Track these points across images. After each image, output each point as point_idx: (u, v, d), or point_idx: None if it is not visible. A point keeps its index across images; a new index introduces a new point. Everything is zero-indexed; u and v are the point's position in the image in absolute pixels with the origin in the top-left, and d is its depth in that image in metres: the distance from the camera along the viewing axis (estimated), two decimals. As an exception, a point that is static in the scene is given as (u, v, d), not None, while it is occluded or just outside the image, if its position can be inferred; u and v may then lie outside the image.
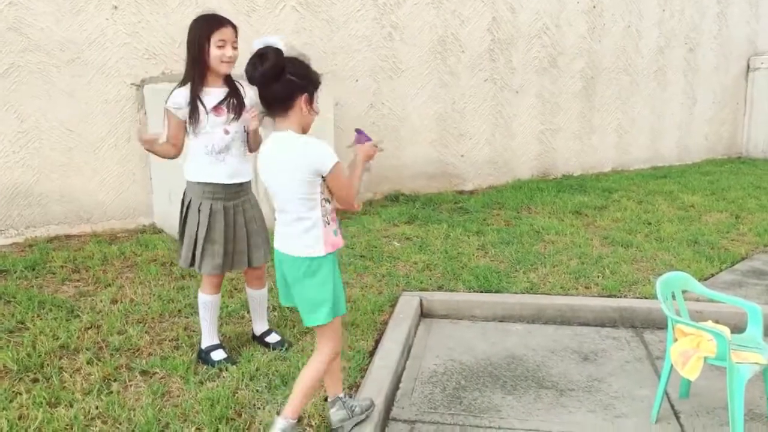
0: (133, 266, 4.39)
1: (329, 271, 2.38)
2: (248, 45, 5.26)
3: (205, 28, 2.97)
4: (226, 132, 3.01)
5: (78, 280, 4.16)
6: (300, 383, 2.44)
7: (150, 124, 5.06)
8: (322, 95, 5.36)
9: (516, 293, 4.14)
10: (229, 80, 3.05)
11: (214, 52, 2.94)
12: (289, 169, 2.27)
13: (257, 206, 3.22)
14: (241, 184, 3.10)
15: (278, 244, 2.41)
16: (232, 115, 3.01)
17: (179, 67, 5.10)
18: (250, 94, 3.06)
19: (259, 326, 3.40)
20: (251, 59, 2.28)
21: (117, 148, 5.16)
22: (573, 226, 5.52)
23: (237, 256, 3.16)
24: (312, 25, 5.85)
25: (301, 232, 2.33)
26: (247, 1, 5.49)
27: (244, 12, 5.50)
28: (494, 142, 7.11)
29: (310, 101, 2.39)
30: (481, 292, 4.15)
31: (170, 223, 5.07)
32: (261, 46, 2.30)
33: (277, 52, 2.31)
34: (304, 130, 2.38)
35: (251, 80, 2.30)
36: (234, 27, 3.01)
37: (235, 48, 3.00)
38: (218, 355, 3.20)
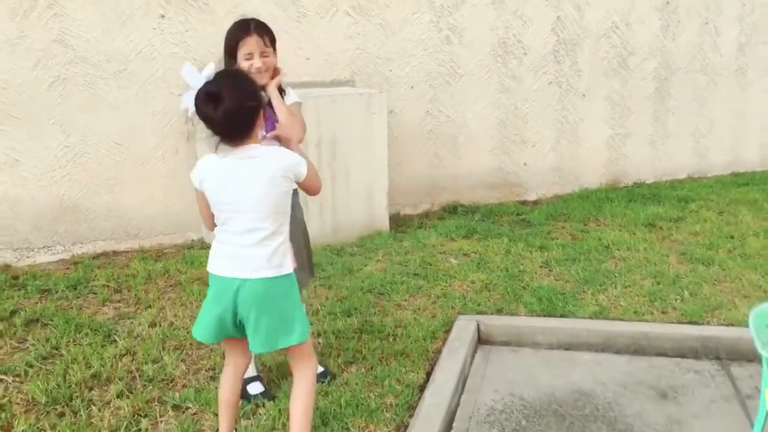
0: (176, 285, 4.22)
1: (295, 286, 2.38)
2: (300, 49, 5.01)
3: (232, 39, 2.80)
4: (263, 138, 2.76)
5: (119, 301, 4.00)
6: (300, 419, 2.37)
7: (198, 136, 4.90)
8: (376, 103, 5.10)
9: (583, 318, 3.78)
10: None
11: (243, 65, 2.75)
12: (269, 180, 2.23)
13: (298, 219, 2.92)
14: None
15: (236, 270, 2.25)
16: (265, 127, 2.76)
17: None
18: (292, 96, 2.96)
19: None
20: (203, 100, 2.20)
21: (165, 161, 5.01)
22: (646, 241, 5.09)
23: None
24: (365, 30, 5.60)
25: (273, 250, 2.26)
26: (296, 6, 5.28)
27: (294, 18, 5.29)
28: (559, 149, 6.71)
29: (264, 113, 2.35)
30: (545, 316, 3.81)
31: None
32: (199, 84, 2.24)
33: (229, 86, 2.23)
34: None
35: (210, 122, 2.22)
36: (261, 34, 2.78)
37: (265, 56, 2.78)
38: (255, 388, 2.96)
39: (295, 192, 2.57)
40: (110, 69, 4.74)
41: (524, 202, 6.51)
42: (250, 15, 5.01)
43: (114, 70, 4.75)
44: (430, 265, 4.61)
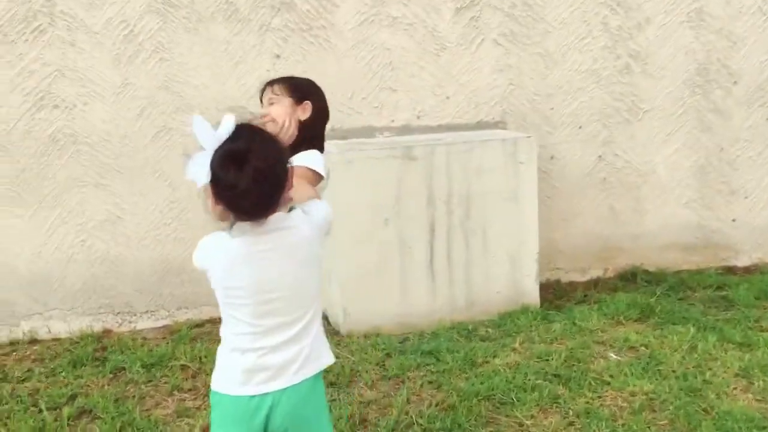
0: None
1: None
2: (439, 87, 4.23)
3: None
4: None
5: (189, 390, 3.44)
6: None
7: (335, 183, 4.26)
8: (524, 150, 4.15)
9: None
10: None
11: None
12: (309, 252, 1.83)
13: None
14: None
15: (269, 383, 1.78)
16: None
17: (351, 121, 4.29)
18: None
19: None
20: (223, 161, 1.68)
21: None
22: None
23: None
24: (520, 62, 4.66)
25: (312, 339, 1.85)
26: (434, 38, 4.50)
27: (431, 52, 4.52)
28: (782, 202, 5.22)
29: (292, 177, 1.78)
30: (729, 466, 2.62)
31: (333, 306, 4.23)
32: (214, 144, 1.70)
33: (257, 142, 1.73)
34: None
35: (232, 190, 1.68)
36: (272, 83, 2.45)
37: (271, 103, 2.35)
38: None
39: None
40: (219, 117, 4.27)
41: (731, 269, 5.11)
42: (378, 50, 4.39)
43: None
44: (580, 362, 3.54)
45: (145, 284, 4.33)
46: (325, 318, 4.32)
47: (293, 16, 4.28)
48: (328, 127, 3.54)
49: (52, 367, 3.75)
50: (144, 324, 4.35)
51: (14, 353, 4.00)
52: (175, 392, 3.41)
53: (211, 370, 3.39)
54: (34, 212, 4.10)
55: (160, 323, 4.36)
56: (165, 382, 3.50)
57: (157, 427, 3.03)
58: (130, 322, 4.34)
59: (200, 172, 1.68)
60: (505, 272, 4.24)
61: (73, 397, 3.36)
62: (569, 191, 4.88)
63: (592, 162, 4.90)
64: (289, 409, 1.80)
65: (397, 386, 3.40)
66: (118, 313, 4.32)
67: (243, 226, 1.76)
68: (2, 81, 3.96)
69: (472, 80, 4.62)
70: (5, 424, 3.10)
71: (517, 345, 3.78)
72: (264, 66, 4.29)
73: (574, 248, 4.94)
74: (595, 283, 4.82)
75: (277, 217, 1.76)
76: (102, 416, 3.15)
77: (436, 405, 3.18)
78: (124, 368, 3.68)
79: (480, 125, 4.65)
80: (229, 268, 1.79)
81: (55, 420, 3.13)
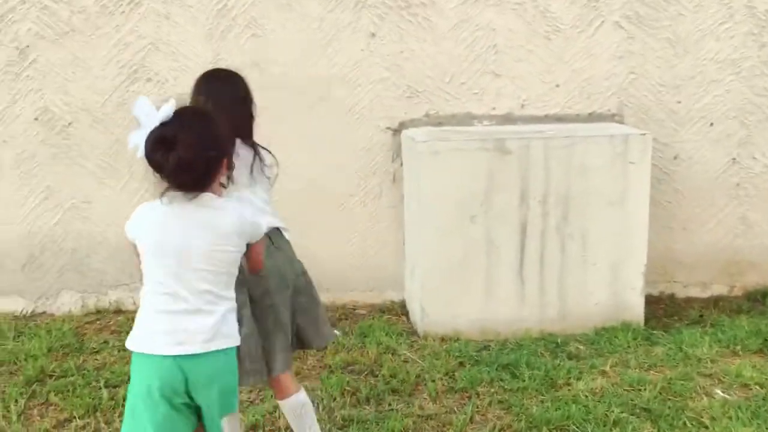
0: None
1: None
2: (548, 74, 3.84)
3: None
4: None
5: (246, 380, 3.30)
6: None
7: (407, 177, 4.02)
8: (636, 148, 3.69)
9: None
10: None
11: None
12: (223, 234, 1.93)
13: None
14: None
15: (179, 345, 1.87)
16: None
17: (448, 107, 4.00)
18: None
19: None
20: (153, 144, 1.83)
21: (365, 205, 4.24)
22: None
23: None
24: (644, 48, 4.15)
25: (222, 316, 1.93)
26: (546, 19, 4.09)
27: (541, 34, 4.11)
28: None
29: (229, 162, 2.03)
30: None
31: (412, 301, 3.99)
32: (152, 124, 1.85)
33: (187, 130, 1.85)
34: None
35: (159, 171, 1.86)
36: None
37: None
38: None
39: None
40: (309, 97, 4.11)
41: None
42: (481, 31, 4.04)
43: (313, 99, 4.11)
44: (677, 396, 3.10)
45: (227, 264, 4.26)
46: (405, 314, 4.09)
47: (392, -9, 4.02)
48: (422, 112, 3.85)
49: (125, 341, 3.76)
50: (224, 304, 4.30)
51: (97, 322, 4.07)
52: (233, 382, 3.29)
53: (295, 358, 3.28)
54: (125, 184, 4.13)
55: (239, 304, 4.29)
56: (225, 370, 3.39)
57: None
58: (211, 301, 4.30)
59: (139, 146, 1.84)
60: (605, 283, 3.81)
61: (133, 376, 3.32)
62: (694, 196, 4.32)
63: (723, 164, 4.31)
64: (204, 377, 1.89)
65: (463, 402, 3.11)
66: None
67: (173, 195, 1.90)
68: (99, 53, 3.98)
69: (586, 67, 4.17)
70: (63, 398, 3.11)
71: (607, 368, 3.36)
72: (358, 45, 4.07)
73: (696, 260, 4.39)
74: (715, 302, 4.26)
75: (208, 196, 1.93)
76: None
77: (500, 430, 2.86)
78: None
79: (592, 117, 4.19)
80: (153, 231, 1.92)
81: (111, 399, 3.10)
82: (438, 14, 4.05)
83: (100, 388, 3.19)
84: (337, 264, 4.28)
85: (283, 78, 4.06)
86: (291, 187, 4.14)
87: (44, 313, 4.18)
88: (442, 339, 3.74)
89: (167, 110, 1.86)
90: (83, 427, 2.91)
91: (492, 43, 4.10)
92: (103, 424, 2.93)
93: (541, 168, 3.67)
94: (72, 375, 3.33)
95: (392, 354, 3.57)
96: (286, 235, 2.62)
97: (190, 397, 1.91)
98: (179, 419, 1.91)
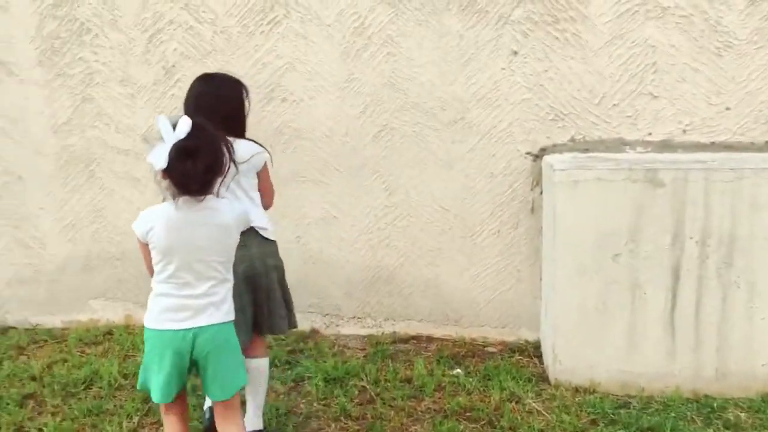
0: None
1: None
2: (717, 95, 3.46)
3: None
4: None
5: (356, 418, 3.14)
6: None
7: (545, 207, 3.69)
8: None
9: None
10: None
11: None
12: (225, 230, 2.35)
13: None
14: None
15: (189, 320, 2.30)
16: None
17: (597, 131, 3.65)
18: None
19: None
20: (180, 155, 2.20)
21: (500, 235, 3.94)
22: None
23: None
24: (840, 65, 3.54)
25: (222, 297, 2.37)
26: (716, 34, 3.59)
27: (711, 50, 3.61)
28: None
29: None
30: None
31: (546, 343, 3.64)
32: (173, 140, 2.21)
33: (206, 141, 2.26)
34: None
35: (186, 177, 2.24)
36: None
37: None
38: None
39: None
40: (444, 118, 3.89)
41: None
42: (639, 48, 3.64)
43: (448, 120, 3.89)
44: None
45: (353, 289, 4.14)
46: (538, 356, 3.75)
47: (538, 6, 3.71)
48: (567, 136, 3.73)
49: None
50: (350, 330, 4.17)
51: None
52: (341, 418, 3.13)
53: (390, 398, 3.10)
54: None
55: (365, 331, 4.15)
56: (336, 404, 3.24)
57: (303, 457, 2.78)
58: (336, 326, 4.19)
59: (160, 158, 2.18)
60: (776, 341, 3.25)
61: (243, 402, 3.25)
62: None
63: None
64: (206, 344, 2.30)
65: (589, 468, 2.74)
66: (326, 314, 4.20)
67: (184, 199, 2.27)
68: (238, 72, 3.98)
69: (764, 88, 3.61)
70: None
71: (768, 446, 2.84)
72: (498, 64, 3.79)
73: None
74: None
75: (210, 198, 2.32)
76: (257, 430, 2.98)
77: None
78: (305, 378, 3.50)
79: (770, 146, 3.63)
80: (166, 231, 2.26)
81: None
82: (589, 30, 3.69)
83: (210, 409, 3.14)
84: (467, 296, 4.02)
85: (417, 98, 3.88)
86: (420, 211, 3.97)
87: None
88: (576, 390, 3.36)
89: (185, 126, 2.20)
90: (186, 451, 2.86)
91: (651, 61, 3.66)
92: (206, 449, 2.87)
93: (700, 204, 3.19)
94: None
95: (516, 402, 3.24)
96: (264, 233, 2.85)
97: (192, 364, 2.33)
98: (180, 380, 2.35)
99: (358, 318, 4.17)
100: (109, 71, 4.11)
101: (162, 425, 3.01)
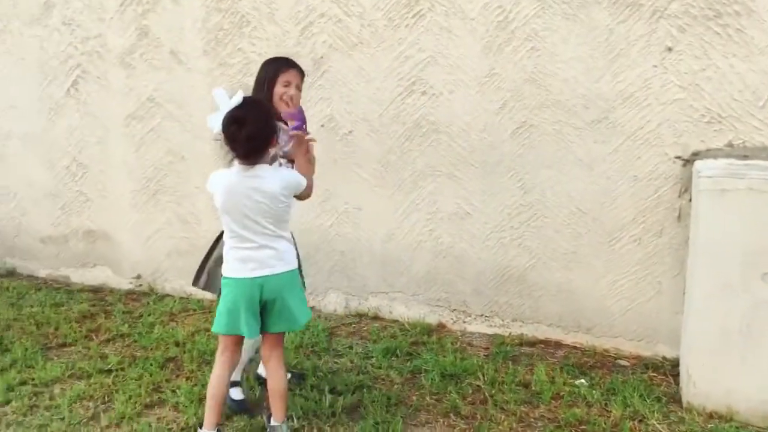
0: None
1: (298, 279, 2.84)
2: None
3: (274, 68, 3.06)
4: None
5: (465, 417, 3.09)
6: (280, 390, 2.76)
7: (699, 215, 3.42)
8: None
9: None
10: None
11: (278, 90, 3.01)
12: (270, 197, 2.61)
13: None
14: None
15: (257, 270, 2.64)
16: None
17: (759, 137, 3.38)
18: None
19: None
20: (229, 121, 2.53)
21: (641, 243, 3.71)
22: None
23: None
24: None
25: (281, 251, 2.70)
26: None
27: None
28: None
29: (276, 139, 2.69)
30: None
31: (683, 371, 3.40)
32: (227, 108, 2.55)
33: (253, 112, 2.58)
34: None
35: (233, 142, 2.56)
36: (300, 71, 3.11)
37: (299, 89, 3.09)
38: (236, 394, 3.14)
39: None
40: (586, 117, 3.72)
41: None
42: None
43: (591, 119, 3.71)
44: None
45: (483, 287, 4.08)
46: (674, 375, 3.50)
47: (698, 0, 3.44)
48: (724, 140, 3.50)
49: (369, 348, 3.81)
50: (476, 327, 4.12)
51: (352, 325, 4.20)
52: (451, 415, 3.10)
53: (504, 401, 3.05)
54: (392, 194, 4.18)
55: (491, 330, 4.08)
56: (448, 400, 3.22)
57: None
58: (464, 322, 4.16)
59: (216, 123, 2.55)
60: None
61: (359, 387, 3.33)
62: None
63: None
64: (273, 288, 2.65)
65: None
66: (454, 310, 4.18)
67: (239, 166, 2.61)
68: (382, 65, 4.07)
69: None
70: (291, 395, 3.22)
71: None
72: (650, 61, 3.56)
73: None
74: None
75: (261, 166, 2.62)
76: (364, 416, 3.04)
77: None
78: (422, 371, 3.51)
79: None
80: (224, 192, 2.60)
81: (330, 406, 3.13)
82: (755, 25, 3.36)
83: (324, 392, 3.24)
84: (601, 304, 3.83)
85: (559, 95, 3.74)
86: (556, 212, 3.83)
87: (313, 308, 4.43)
88: (710, 415, 3.10)
89: (238, 98, 2.55)
90: (297, 430, 2.97)
91: (829, 61, 3.28)
92: (315, 430, 2.97)
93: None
94: (302, 374, 3.45)
95: (639, 421, 3.05)
96: None
97: (263, 307, 2.67)
98: (254, 321, 2.66)
99: (486, 316, 4.11)
100: (264, 61, 4.33)
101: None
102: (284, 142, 2.82)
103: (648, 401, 3.21)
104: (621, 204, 3.72)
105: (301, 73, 3.12)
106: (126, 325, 4.17)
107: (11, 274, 5.29)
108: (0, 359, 3.68)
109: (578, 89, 3.71)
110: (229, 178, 2.61)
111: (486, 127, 3.92)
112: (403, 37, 4.00)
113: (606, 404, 3.19)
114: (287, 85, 3.02)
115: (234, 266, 2.66)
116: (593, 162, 3.74)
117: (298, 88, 3.08)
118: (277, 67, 3.06)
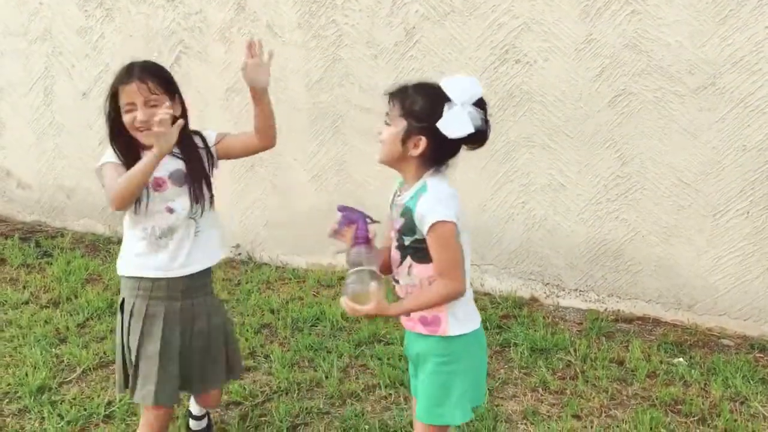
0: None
1: None
2: None
3: (112, 88, 2.27)
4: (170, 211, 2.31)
5: (553, 392, 3.03)
6: None
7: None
8: None
9: None
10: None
11: (125, 120, 2.23)
12: None
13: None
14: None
15: None
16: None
17: None
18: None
19: None
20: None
21: (749, 216, 3.51)
22: None
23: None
24: None
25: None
26: None
27: None
28: None
29: None
30: None
31: None
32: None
33: None
34: None
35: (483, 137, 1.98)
36: (145, 79, 2.21)
37: (153, 105, 2.20)
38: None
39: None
40: (690, 84, 3.52)
41: None
42: None
43: (695, 86, 3.51)
44: None
45: (577, 260, 3.98)
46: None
47: (819, -47, 3.17)
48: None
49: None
50: (570, 302, 4.03)
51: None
52: (539, 389, 3.06)
53: (595, 377, 2.98)
54: (485, 165, 4.11)
55: (585, 305, 3.98)
56: (537, 374, 3.17)
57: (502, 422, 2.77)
58: (557, 296, 4.07)
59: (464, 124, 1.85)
60: None
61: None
62: None
63: None
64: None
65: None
66: (547, 284, 4.09)
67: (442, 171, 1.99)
68: (474, 33, 3.99)
69: None
70: (380, 365, 3.26)
71: None
72: (762, 22, 3.33)
73: None
74: None
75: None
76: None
77: None
78: (512, 344, 3.47)
79: None
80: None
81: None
82: None
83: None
84: (704, 281, 3.66)
85: (661, 61, 3.56)
86: (656, 184, 3.68)
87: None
88: (820, 401, 2.91)
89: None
90: (385, 398, 3.01)
91: None
92: (402, 399, 3.00)
93: None
94: (394, 343, 3.48)
95: (740, 403, 2.91)
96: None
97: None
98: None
99: (580, 291, 4.01)
100: (357, 33, 4.34)
101: (368, 368, 3.21)
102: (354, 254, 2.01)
103: (752, 383, 3.05)
104: (728, 175, 3.52)
105: (147, 80, 2.21)
106: (225, 292, 4.33)
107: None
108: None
109: (682, 54, 3.52)
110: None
111: (582, 95, 3.78)
112: (496, 3, 3.91)
113: (705, 384, 3.06)
114: (130, 110, 2.21)
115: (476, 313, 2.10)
116: (697, 131, 3.55)
117: (151, 104, 2.20)
118: (114, 88, 2.25)
